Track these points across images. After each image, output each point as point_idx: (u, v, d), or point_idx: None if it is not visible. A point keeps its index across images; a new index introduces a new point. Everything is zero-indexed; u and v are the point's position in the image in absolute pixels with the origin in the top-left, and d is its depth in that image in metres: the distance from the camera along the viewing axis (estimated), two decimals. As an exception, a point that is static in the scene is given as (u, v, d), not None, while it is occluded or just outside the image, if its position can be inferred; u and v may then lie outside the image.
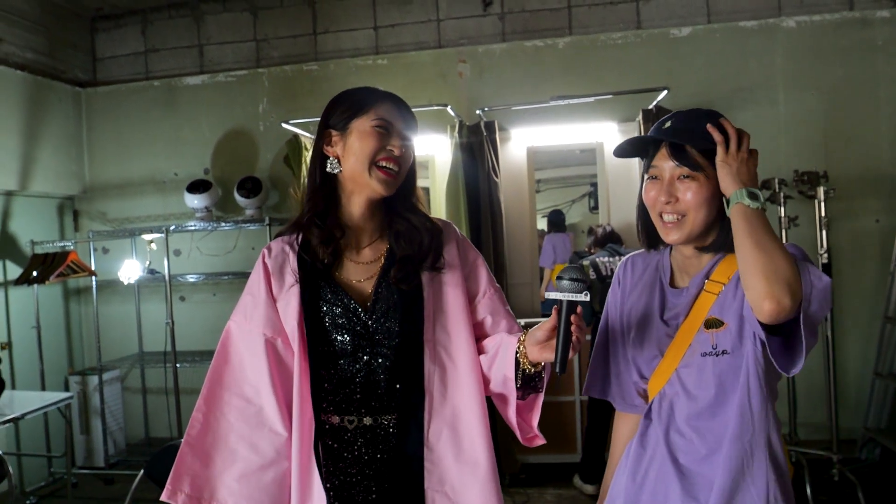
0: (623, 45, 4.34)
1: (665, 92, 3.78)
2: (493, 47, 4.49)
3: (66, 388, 4.67)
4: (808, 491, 3.36)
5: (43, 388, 4.37)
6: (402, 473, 1.41)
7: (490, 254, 4.05)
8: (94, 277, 4.56)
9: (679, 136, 1.34)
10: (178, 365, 4.27)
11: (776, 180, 3.74)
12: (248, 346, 1.46)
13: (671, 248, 1.49)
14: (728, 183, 1.27)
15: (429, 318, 1.46)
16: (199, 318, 4.71)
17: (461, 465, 1.42)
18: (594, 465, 3.74)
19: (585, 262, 3.84)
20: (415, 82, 4.54)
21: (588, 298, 1.28)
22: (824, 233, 3.72)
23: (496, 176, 4.10)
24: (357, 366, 1.42)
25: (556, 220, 5.19)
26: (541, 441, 1.50)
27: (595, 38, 4.38)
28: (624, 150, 1.46)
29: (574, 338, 1.26)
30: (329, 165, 1.46)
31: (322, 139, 1.48)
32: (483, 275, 1.56)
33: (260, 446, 1.41)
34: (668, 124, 1.38)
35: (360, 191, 1.46)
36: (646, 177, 1.41)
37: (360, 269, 1.48)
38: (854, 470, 3.57)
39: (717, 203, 1.33)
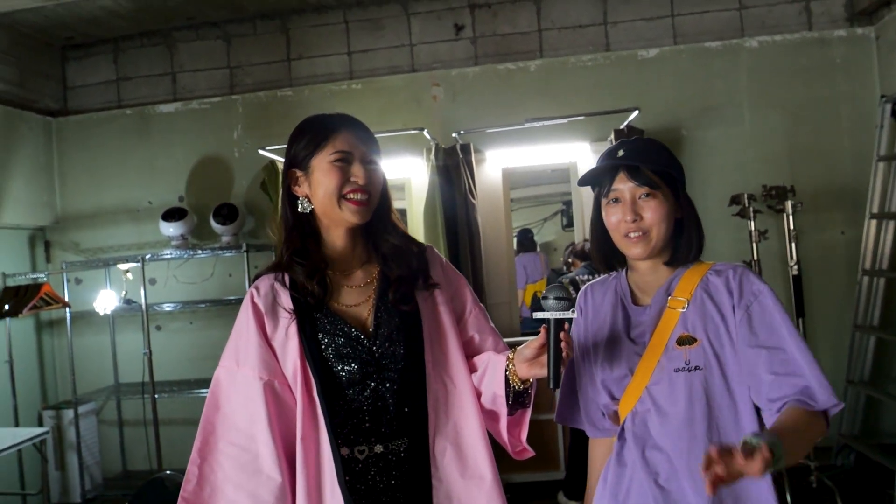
0: (593, 66, 4.44)
1: (636, 112, 3.88)
2: (465, 70, 4.56)
3: (40, 423, 4.57)
4: (789, 498, 3.42)
5: (16, 424, 4.27)
6: (413, 495, 1.42)
7: (469, 274, 4.09)
8: (67, 309, 4.48)
9: (633, 159, 1.44)
10: (156, 396, 4.21)
11: (745, 195, 3.84)
12: (240, 391, 1.43)
13: (626, 270, 1.57)
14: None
15: (427, 339, 1.48)
16: (177, 347, 4.65)
17: (467, 480, 1.44)
18: (578, 482, 3.75)
19: (565, 281, 3.89)
20: (389, 106, 4.58)
21: (575, 315, 1.35)
22: (793, 245, 3.83)
23: (473, 197, 4.15)
24: (365, 393, 1.43)
25: (525, 241, 5.25)
26: (530, 454, 1.55)
27: (565, 60, 4.47)
28: (587, 181, 1.55)
29: (564, 353, 1.32)
30: (300, 206, 1.47)
31: (288, 180, 1.49)
32: (467, 294, 1.61)
33: (259, 494, 1.39)
34: (620, 152, 1.46)
35: (335, 224, 1.48)
36: (604, 201, 1.49)
37: (354, 293, 1.49)
38: (831, 476, 3.65)
39: (673, 218, 1.44)
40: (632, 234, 1.44)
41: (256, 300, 1.47)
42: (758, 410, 1.38)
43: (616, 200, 1.46)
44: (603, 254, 1.56)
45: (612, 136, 4.00)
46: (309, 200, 1.46)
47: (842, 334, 4.09)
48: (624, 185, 1.44)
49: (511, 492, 4.12)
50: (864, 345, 4.06)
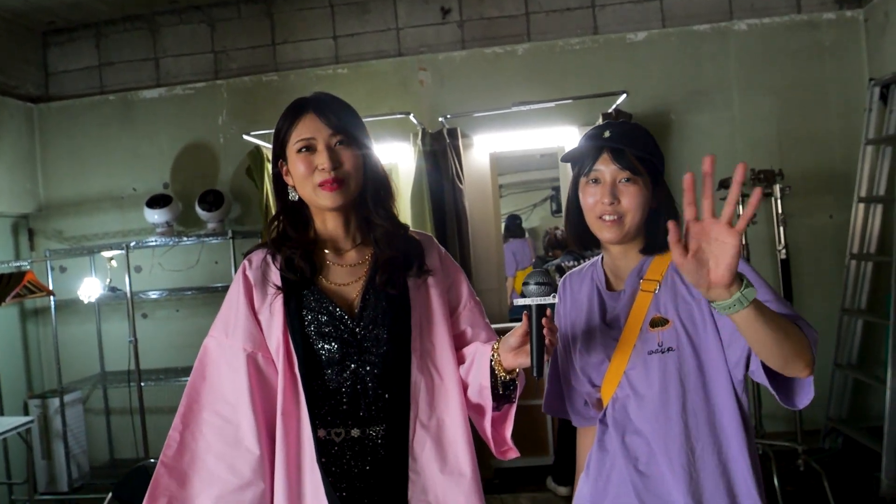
0: (581, 50, 4.40)
1: (624, 96, 3.85)
2: (453, 55, 4.51)
3: (26, 412, 4.53)
4: (776, 481, 3.43)
5: (1, 413, 4.23)
6: (387, 484, 1.40)
7: (457, 261, 4.05)
8: (52, 297, 4.43)
9: (619, 142, 1.42)
10: (142, 384, 4.17)
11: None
12: (227, 362, 1.43)
13: (602, 258, 1.56)
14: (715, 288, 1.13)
15: (416, 326, 1.46)
16: (163, 335, 4.62)
17: (446, 476, 1.42)
18: (567, 467, 3.76)
19: (551, 267, 3.88)
20: (376, 91, 4.53)
21: (556, 300, 1.32)
22: (782, 230, 3.82)
23: (461, 183, 4.12)
24: (344, 375, 1.40)
25: (513, 226, 5.22)
26: (514, 454, 1.51)
27: (553, 44, 4.43)
28: (571, 157, 1.53)
29: (547, 341, 1.29)
30: (290, 193, 1.47)
31: (277, 168, 1.49)
32: (464, 287, 1.58)
33: (237, 467, 1.38)
34: (606, 133, 1.45)
35: (320, 209, 1.47)
36: (583, 180, 1.47)
37: (346, 272, 1.47)
38: (818, 460, 3.65)
39: (648, 206, 1.43)
40: (606, 217, 1.42)
41: (248, 273, 1.47)
42: (737, 397, 1.37)
43: (595, 181, 1.44)
44: (578, 234, 1.54)
45: (601, 121, 3.97)
46: (295, 189, 1.46)
47: (830, 318, 4.09)
48: (606, 167, 1.42)
49: (500, 477, 4.13)
50: (851, 328, 4.07)
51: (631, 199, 1.40)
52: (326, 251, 1.48)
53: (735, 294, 1.11)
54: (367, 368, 1.41)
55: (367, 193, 1.47)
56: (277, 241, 1.47)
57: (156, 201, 4.40)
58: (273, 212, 1.56)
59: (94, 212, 4.77)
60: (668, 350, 1.37)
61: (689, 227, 1.13)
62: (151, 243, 4.37)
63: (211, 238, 4.40)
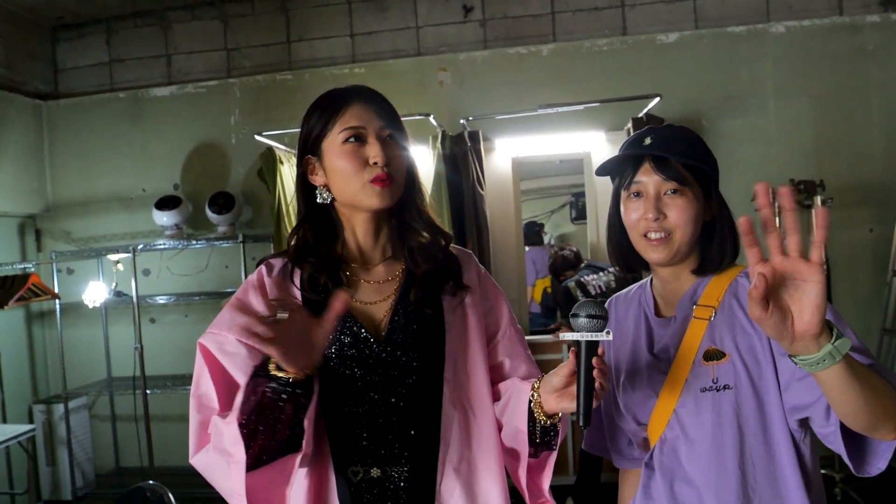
0: (609, 51, 4.21)
1: (657, 99, 3.65)
2: (474, 55, 4.34)
3: (30, 418, 4.41)
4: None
5: (4, 420, 4.11)
6: None
7: (476, 270, 3.89)
8: (57, 300, 4.31)
9: (662, 149, 1.24)
10: (147, 391, 4.04)
11: (770, 190, 3.63)
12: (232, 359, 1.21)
13: (651, 280, 1.38)
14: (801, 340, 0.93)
15: (450, 354, 1.27)
16: (171, 341, 4.48)
17: None
18: (589, 488, 3.58)
19: (571, 284, 3.70)
20: (394, 91, 4.28)
21: (611, 337, 1.10)
22: (820, 244, 3.61)
23: (481, 188, 3.94)
24: (365, 406, 1.22)
25: (532, 234, 5.05)
26: None
27: (580, 44, 4.24)
28: (607, 169, 1.34)
29: (597, 384, 1.09)
30: (319, 196, 1.28)
31: (303, 168, 1.29)
32: (504, 312, 1.39)
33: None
34: (647, 140, 1.27)
35: (357, 211, 1.28)
36: (624, 194, 1.29)
37: (373, 289, 1.29)
38: (857, 488, 3.46)
39: (701, 221, 1.25)
40: (652, 235, 1.24)
41: (265, 279, 1.28)
42: (795, 442, 1.18)
43: (637, 195, 1.26)
44: (621, 254, 1.37)
45: (630, 125, 3.78)
46: (328, 189, 1.27)
47: (868, 338, 3.88)
48: (648, 178, 1.24)
49: (515, 497, 3.95)
50: (892, 350, 3.86)
51: (679, 214, 1.22)
52: (353, 265, 1.30)
53: (826, 347, 0.90)
54: (393, 400, 1.22)
55: (407, 198, 1.30)
56: (301, 253, 1.28)
57: (165, 203, 4.27)
58: (285, 215, 1.37)
59: (103, 212, 4.64)
60: (725, 388, 1.19)
61: (763, 269, 0.92)
62: (160, 246, 4.24)
63: (221, 241, 4.25)
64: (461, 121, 3.96)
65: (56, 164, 4.69)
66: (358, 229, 1.30)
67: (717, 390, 1.19)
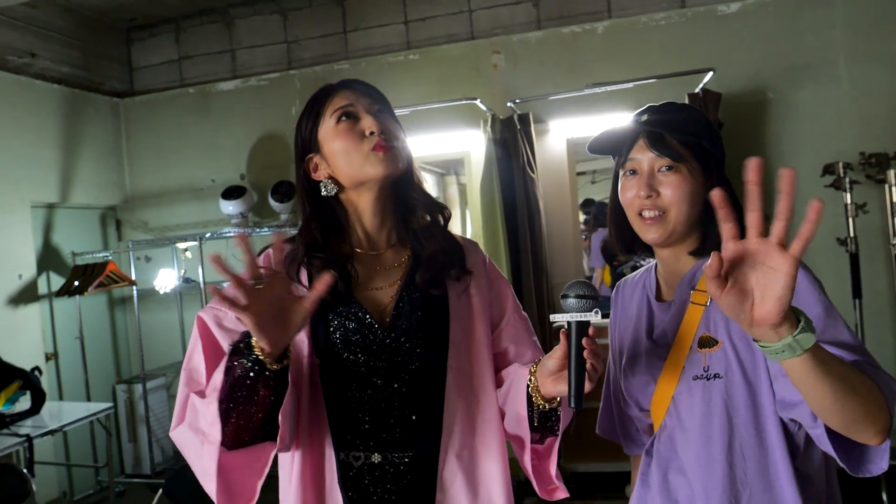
0: (666, 25, 4.06)
1: (711, 74, 3.50)
2: (527, 36, 4.28)
3: (113, 397, 4.71)
4: (885, 498, 3.06)
5: (88, 399, 4.41)
6: None
7: (528, 254, 3.86)
8: (134, 287, 4.57)
9: (657, 125, 1.20)
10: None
11: (840, 164, 3.43)
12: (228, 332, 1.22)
13: (657, 263, 1.33)
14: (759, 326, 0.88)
15: (454, 341, 1.28)
16: (239, 325, 4.67)
17: None
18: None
19: (627, 270, 3.60)
20: (447, 76, 4.37)
21: (599, 317, 1.08)
22: (895, 221, 3.38)
23: (532, 171, 3.90)
24: (368, 391, 1.23)
25: (601, 215, 4.93)
26: (562, 494, 1.30)
27: (636, 20, 4.11)
28: (600, 146, 1.30)
29: (588, 365, 1.07)
30: (324, 189, 1.28)
31: (304, 168, 1.31)
32: (509, 299, 1.39)
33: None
34: (644, 117, 1.23)
35: (364, 192, 1.29)
36: (621, 172, 1.26)
37: (380, 275, 1.31)
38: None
39: (699, 199, 1.19)
40: (647, 214, 1.20)
41: (273, 261, 1.23)
42: (789, 434, 1.12)
43: (633, 172, 1.23)
44: (621, 237, 1.33)
45: (686, 101, 3.64)
46: (333, 181, 1.28)
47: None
48: (643, 155, 1.21)
49: (575, 481, 3.91)
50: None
51: (673, 191, 1.18)
52: (360, 251, 1.32)
53: (785, 339, 0.85)
54: (395, 386, 1.24)
55: (406, 177, 1.32)
56: (310, 250, 1.28)
57: (230, 193, 4.44)
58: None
59: (175, 203, 4.88)
60: (715, 377, 1.14)
61: (727, 248, 0.87)
62: (226, 234, 4.42)
63: (284, 229, 4.39)
64: (508, 104, 3.92)
65: (133, 158, 4.96)
66: (364, 216, 1.31)
67: (708, 379, 1.15)
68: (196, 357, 1.22)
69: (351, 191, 1.30)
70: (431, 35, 4.46)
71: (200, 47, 4.83)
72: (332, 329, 1.25)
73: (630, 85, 3.53)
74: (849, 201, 3.40)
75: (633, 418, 1.33)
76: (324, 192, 1.28)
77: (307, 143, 1.31)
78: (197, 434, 1.13)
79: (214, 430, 1.08)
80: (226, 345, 1.18)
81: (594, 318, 1.07)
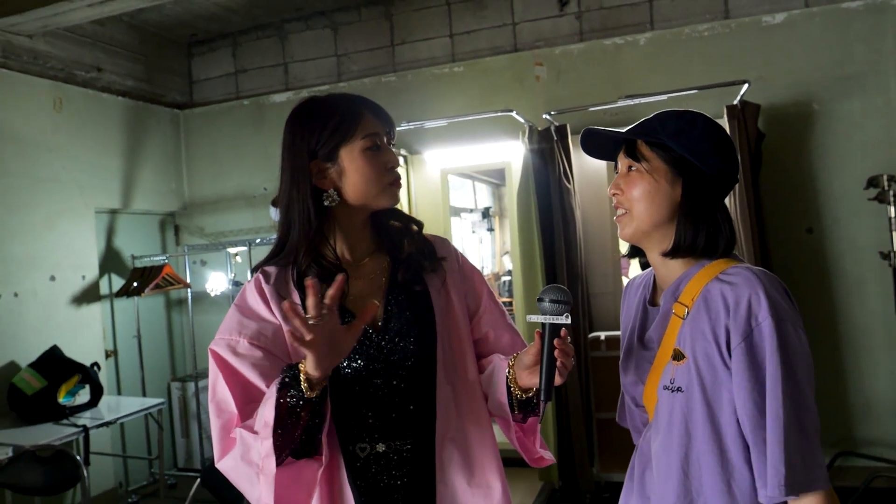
0: (710, 37, 4.04)
1: (746, 86, 3.47)
2: (570, 48, 4.32)
3: (168, 394, 4.94)
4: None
5: (144, 394, 4.64)
6: (415, 498, 1.34)
7: (563, 263, 3.89)
8: (188, 289, 4.80)
9: (632, 131, 1.28)
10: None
11: (884, 177, 3.35)
12: (245, 361, 1.31)
13: None
14: None
15: (440, 334, 1.38)
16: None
17: (474, 488, 1.35)
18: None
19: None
20: (490, 88, 4.45)
21: (569, 321, 1.19)
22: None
23: (568, 182, 3.93)
24: (369, 391, 1.34)
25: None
26: (548, 461, 1.45)
27: (679, 31, 4.10)
28: (589, 149, 1.38)
29: (559, 363, 1.18)
30: (327, 200, 1.34)
31: (308, 173, 1.34)
32: (483, 289, 1.50)
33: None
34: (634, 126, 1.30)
35: (363, 210, 1.38)
36: None
37: (363, 284, 1.40)
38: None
39: (664, 201, 1.24)
40: (618, 211, 1.29)
41: (264, 286, 1.37)
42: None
43: (618, 174, 1.32)
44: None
45: (725, 113, 3.61)
46: (338, 192, 1.34)
47: None
48: (620, 158, 1.31)
49: (609, 491, 3.92)
50: None
51: (631, 188, 1.25)
52: (344, 263, 1.38)
53: None
54: (395, 383, 1.35)
55: None
56: (308, 256, 1.35)
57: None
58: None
59: (230, 210, 5.10)
60: (678, 390, 1.19)
61: None
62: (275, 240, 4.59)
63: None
64: (544, 115, 3.96)
65: (191, 167, 5.22)
66: (353, 228, 1.39)
67: (672, 391, 1.20)
68: (220, 389, 1.29)
69: (350, 207, 1.36)
70: (476, 48, 4.55)
71: (256, 61, 5.05)
72: None
73: (664, 97, 3.53)
74: (893, 215, 3.32)
75: (634, 411, 1.39)
76: (327, 203, 1.34)
77: (321, 149, 1.33)
78: (251, 466, 1.23)
79: (269, 463, 1.19)
80: (246, 371, 1.28)
81: (565, 321, 1.17)
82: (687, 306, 1.21)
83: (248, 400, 1.28)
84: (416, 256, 1.41)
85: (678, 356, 1.19)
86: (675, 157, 1.24)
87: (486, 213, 5.89)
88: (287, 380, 1.17)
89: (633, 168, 1.26)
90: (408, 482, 1.34)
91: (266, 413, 1.18)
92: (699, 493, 1.15)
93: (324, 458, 1.27)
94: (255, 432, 1.20)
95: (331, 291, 1.14)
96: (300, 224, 1.35)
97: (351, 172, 1.33)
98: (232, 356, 1.30)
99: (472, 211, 5.92)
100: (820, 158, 3.80)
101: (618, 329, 4.05)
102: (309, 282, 1.13)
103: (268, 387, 1.25)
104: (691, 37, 4.08)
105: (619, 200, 1.27)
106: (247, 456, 1.23)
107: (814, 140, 3.81)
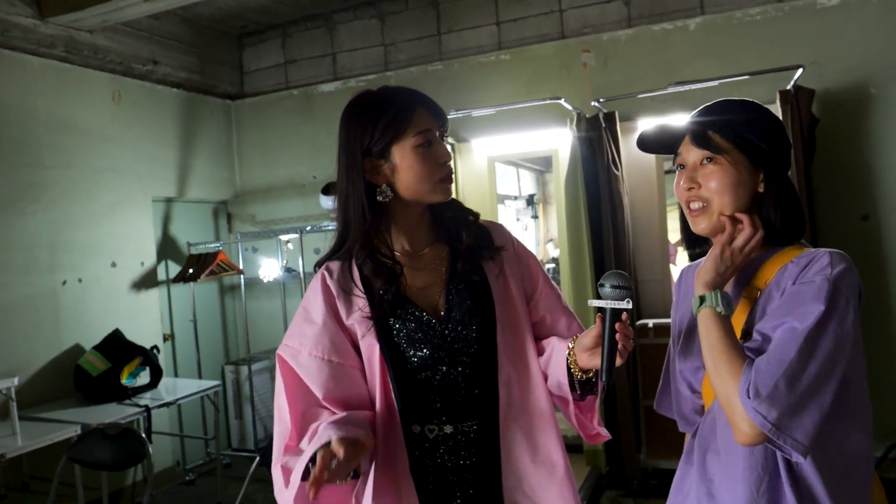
0: (762, 20, 3.97)
1: (800, 70, 3.41)
2: (618, 34, 4.29)
3: (222, 377, 5.10)
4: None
5: (199, 377, 4.80)
6: (481, 476, 1.41)
7: (611, 250, 3.89)
8: (241, 275, 4.93)
9: (700, 122, 1.28)
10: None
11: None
12: (304, 371, 1.39)
13: None
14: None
15: (500, 320, 1.44)
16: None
17: (537, 465, 1.41)
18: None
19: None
20: (537, 76, 4.45)
21: (630, 305, 1.24)
22: None
23: (617, 169, 3.92)
24: (437, 377, 1.40)
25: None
26: (605, 437, 1.51)
27: (730, 15, 4.04)
28: (650, 145, 1.39)
29: (620, 345, 1.23)
30: (380, 195, 1.38)
31: (362, 169, 1.37)
32: (539, 273, 1.54)
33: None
34: (694, 116, 1.31)
35: (418, 204, 1.42)
36: (676, 169, 1.34)
37: (424, 275, 1.45)
38: None
39: (745, 191, 1.25)
40: (693, 206, 1.28)
41: (329, 282, 1.42)
42: None
43: (682, 167, 1.31)
44: (684, 231, 1.40)
45: (778, 99, 3.56)
46: (391, 188, 1.38)
47: None
48: (688, 151, 1.29)
49: (657, 478, 3.93)
50: None
51: (713, 182, 1.24)
52: (398, 253, 1.44)
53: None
54: (459, 369, 1.40)
55: None
56: (364, 250, 1.39)
57: (329, 188, 4.70)
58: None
59: (281, 198, 5.21)
60: None
61: None
62: (326, 227, 4.69)
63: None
64: (593, 102, 3.95)
65: (243, 156, 5.35)
66: (411, 221, 1.45)
67: None
68: (280, 396, 1.39)
69: (404, 201, 1.41)
70: (522, 35, 4.55)
71: (304, 51, 5.14)
72: (395, 332, 1.40)
73: (714, 83, 3.49)
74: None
75: (686, 398, 1.41)
76: (380, 198, 1.38)
77: (374, 146, 1.36)
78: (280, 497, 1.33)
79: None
80: (307, 379, 1.37)
81: (626, 306, 1.23)
82: (760, 289, 1.23)
83: (306, 406, 1.35)
84: (474, 247, 1.45)
85: (746, 335, 1.21)
86: (752, 146, 1.25)
87: (530, 201, 5.90)
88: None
89: (709, 160, 1.25)
90: (476, 461, 1.40)
91: (295, 477, 1.25)
92: (765, 470, 1.16)
93: (377, 441, 1.36)
94: (288, 477, 1.27)
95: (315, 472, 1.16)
96: (355, 219, 1.39)
97: (403, 169, 1.36)
98: (295, 364, 1.39)
99: (516, 198, 5.94)
100: (878, 144, 3.72)
101: (665, 317, 4.06)
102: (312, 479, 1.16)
103: (324, 397, 1.34)
104: (743, 21, 4.01)
105: (697, 194, 1.26)
106: (281, 489, 1.31)
107: (871, 125, 3.73)
